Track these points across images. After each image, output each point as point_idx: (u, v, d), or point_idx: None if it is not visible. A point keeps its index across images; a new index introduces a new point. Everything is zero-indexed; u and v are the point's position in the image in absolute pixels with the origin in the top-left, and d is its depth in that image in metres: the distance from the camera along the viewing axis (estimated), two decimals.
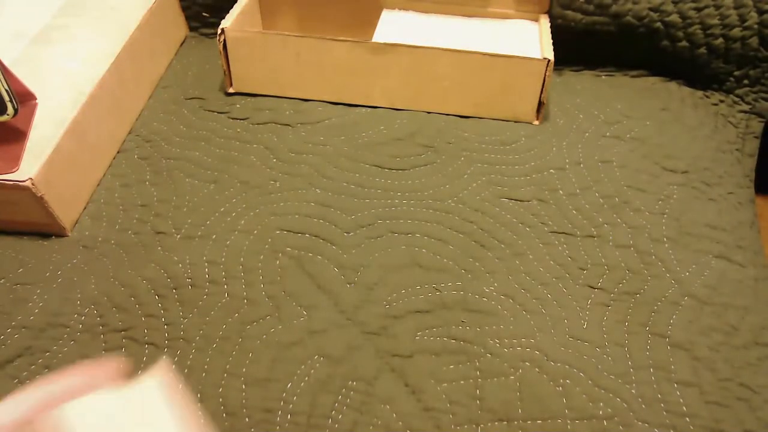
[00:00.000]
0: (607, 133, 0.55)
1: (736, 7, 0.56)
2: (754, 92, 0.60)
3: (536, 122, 0.56)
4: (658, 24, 0.57)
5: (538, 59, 0.52)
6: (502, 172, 0.51)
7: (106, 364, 0.26)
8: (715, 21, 0.56)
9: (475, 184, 0.50)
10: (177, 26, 0.65)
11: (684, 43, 0.58)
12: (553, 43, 0.55)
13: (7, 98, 0.42)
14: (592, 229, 0.47)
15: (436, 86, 0.55)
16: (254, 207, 0.48)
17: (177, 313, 0.42)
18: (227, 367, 0.39)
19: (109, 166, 0.52)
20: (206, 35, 0.67)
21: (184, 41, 0.66)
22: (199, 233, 0.46)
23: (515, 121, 0.56)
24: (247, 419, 0.37)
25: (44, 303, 0.42)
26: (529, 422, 0.37)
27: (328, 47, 0.54)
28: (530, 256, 0.45)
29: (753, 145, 0.59)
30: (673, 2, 0.57)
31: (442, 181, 0.50)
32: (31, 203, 0.44)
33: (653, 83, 0.61)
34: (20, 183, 0.42)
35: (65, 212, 0.46)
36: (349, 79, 0.56)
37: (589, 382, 0.39)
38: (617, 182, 0.50)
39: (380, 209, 0.48)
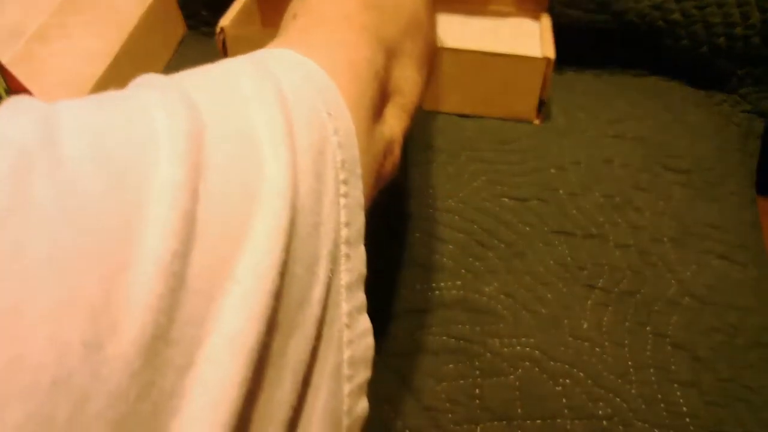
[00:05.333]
0: (609, 133, 0.55)
1: (738, 6, 0.55)
2: (757, 92, 0.60)
3: (537, 121, 0.56)
4: (660, 22, 0.57)
5: (539, 58, 0.52)
6: (503, 172, 0.51)
7: None
8: (718, 19, 0.56)
9: (475, 184, 0.50)
10: (175, 25, 0.65)
11: (686, 42, 0.58)
12: (555, 42, 0.55)
13: (4, 97, 0.42)
14: (593, 229, 0.47)
15: (435, 85, 0.55)
16: None
17: None
18: None
19: None
20: (205, 34, 0.67)
21: (182, 40, 0.66)
22: None
23: (516, 120, 0.56)
24: None
25: None
26: (528, 422, 0.37)
27: None
28: (530, 256, 0.45)
29: (755, 145, 0.59)
30: (675, 0, 0.56)
31: (441, 181, 0.50)
32: None
33: (655, 82, 0.61)
34: None
35: None
36: None
37: (589, 381, 0.38)
38: (618, 182, 0.50)
39: (380, 209, 0.48)
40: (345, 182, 0.20)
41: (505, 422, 0.37)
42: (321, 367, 0.18)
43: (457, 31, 0.60)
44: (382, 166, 0.25)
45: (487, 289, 0.43)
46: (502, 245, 0.46)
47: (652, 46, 0.59)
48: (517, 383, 0.38)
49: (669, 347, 0.40)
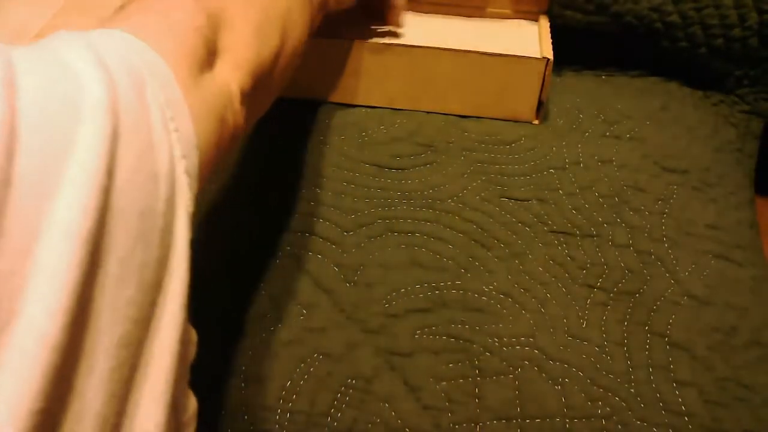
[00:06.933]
0: (607, 133, 0.55)
1: (736, 7, 0.56)
2: (755, 92, 0.60)
3: (536, 122, 0.56)
4: (659, 24, 0.57)
5: (538, 58, 0.52)
6: (502, 172, 0.51)
7: None
8: (715, 21, 0.56)
9: (474, 184, 0.50)
10: None
11: (684, 43, 0.58)
12: (553, 43, 0.55)
13: None
14: (592, 229, 0.47)
15: (435, 86, 0.55)
16: (253, 205, 0.48)
17: None
18: (226, 365, 0.39)
19: None
20: None
21: None
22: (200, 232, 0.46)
23: (515, 121, 0.56)
24: (246, 417, 0.37)
25: None
26: (527, 421, 0.37)
27: (327, 47, 0.54)
28: (530, 256, 0.45)
29: (753, 146, 0.59)
30: (673, 2, 0.57)
31: (441, 181, 0.50)
32: None
33: (653, 83, 0.61)
34: None
35: None
36: (348, 79, 0.56)
37: (588, 381, 0.39)
38: (617, 182, 0.50)
39: (380, 208, 0.48)
40: (173, 119, 0.23)
41: (504, 421, 0.37)
42: (171, 274, 0.21)
43: (457, 34, 0.60)
44: (223, 118, 0.28)
45: (486, 289, 0.43)
46: (502, 245, 0.46)
47: (650, 47, 0.59)
48: (517, 383, 0.38)
49: (667, 347, 0.40)
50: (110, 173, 0.19)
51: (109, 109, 0.19)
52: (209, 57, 0.28)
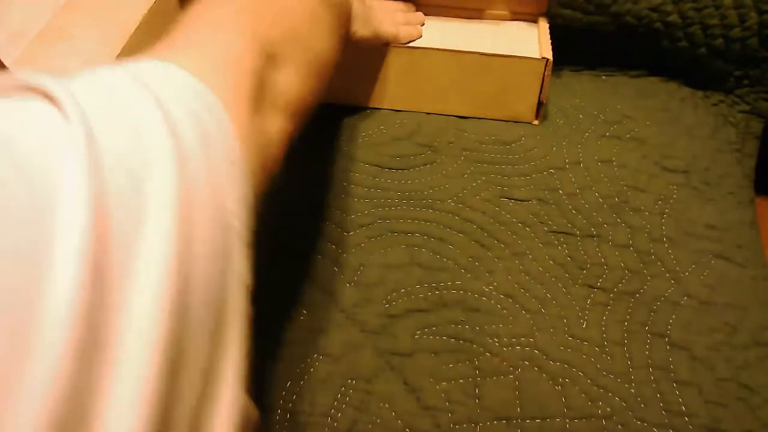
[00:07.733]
0: (607, 133, 0.55)
1: (735, 8, 0.56)
2: (755, 92, 0.60)
3: (536, 122, 0.56)
4: (658, 24, 0.57)
5: (537, 59, 0.52)
6: (502, 172, 0.51)
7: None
8: (715, 21, 0.56)
9: (474, 184, 0.50)
10: None
11: (684, 43, 0.58)
12: (553, 44, 0.55)
13: None
14: (592, 229, 0.47)
15: (435, 87, 0.55)
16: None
17: None
18: None
19: None
20: None
21: None
22: None
23: (515, 121, 0.56)
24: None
25: None
26: (527, 421, 0.37)
27: None
28: (530, 256, 0.45)
29: (753, 146, 0.59)
30: (673, 2, 0.57)
31: (441, 181, 0.50)
32: None
33: (653, 83, 0.61)
34: None
35: None
36: (348, 81, 0.56)
37: (588, 381, 0.39)
38: (617, 182, 0.50)
39: (380, 209, 0.48)
40: (233, 163, 0.22)
41: (504, 422, 0.37)
42: (228, 340, 0.21)
43: (457, 35, 0.61)
44: (266, 159, 0.27)
45: (486, 289, 0.43)
46: (502, 245, 0.46)
47: (650, 47, 0.59)
48: (517, 383, 0.38)
49: (668, 347, 0.40)
50: (188, 242, 0.18)
51: (175, 205, 0.19)
52: (260, 99, 0.27)
